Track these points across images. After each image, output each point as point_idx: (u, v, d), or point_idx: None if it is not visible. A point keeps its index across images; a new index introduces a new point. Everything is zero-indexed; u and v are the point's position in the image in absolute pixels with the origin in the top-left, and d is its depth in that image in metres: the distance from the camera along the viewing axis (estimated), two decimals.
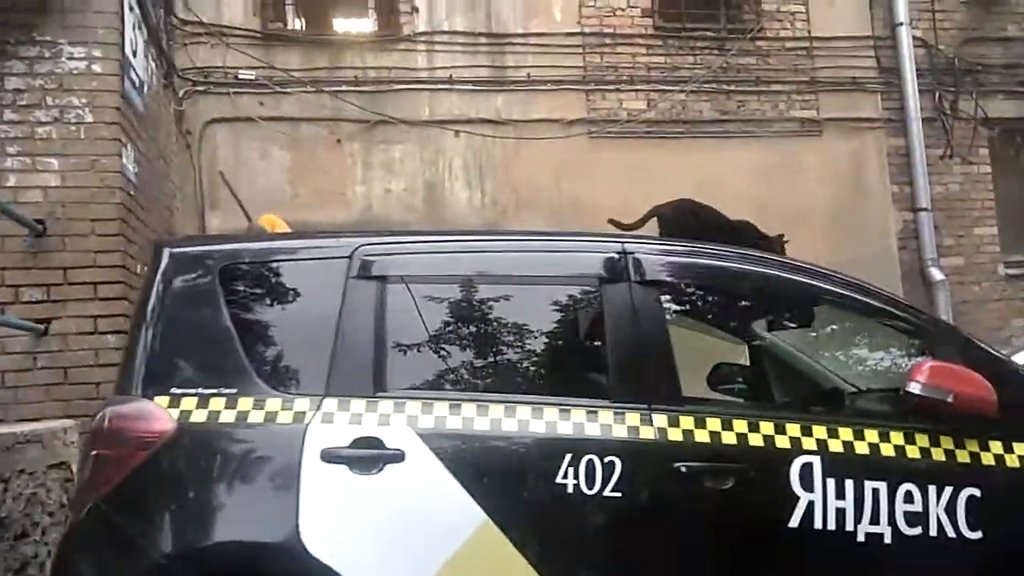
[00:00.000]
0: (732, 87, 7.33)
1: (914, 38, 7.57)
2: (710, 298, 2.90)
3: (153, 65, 5.47)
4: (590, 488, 2.37)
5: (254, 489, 2.36)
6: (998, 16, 7.87)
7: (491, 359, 2.60)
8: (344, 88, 6.68)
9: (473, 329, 2.60)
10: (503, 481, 2.39)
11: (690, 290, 2.80)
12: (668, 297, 2.67)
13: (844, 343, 3.55)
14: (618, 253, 2.66)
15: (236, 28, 6.53)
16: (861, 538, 2.42)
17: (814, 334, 3.77)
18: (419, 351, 2.58)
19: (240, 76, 6.47)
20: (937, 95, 7.65)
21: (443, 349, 2.59)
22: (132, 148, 4.66)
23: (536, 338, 2.65)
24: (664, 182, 6.91)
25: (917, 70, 7.52)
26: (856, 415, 2.86)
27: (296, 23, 6.99)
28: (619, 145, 7.10)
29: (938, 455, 2.52)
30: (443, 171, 6.89)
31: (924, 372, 2.49)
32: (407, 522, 2.35)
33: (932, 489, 2.47)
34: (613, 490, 2.38)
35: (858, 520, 2.43)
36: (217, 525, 2.35)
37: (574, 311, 2.66)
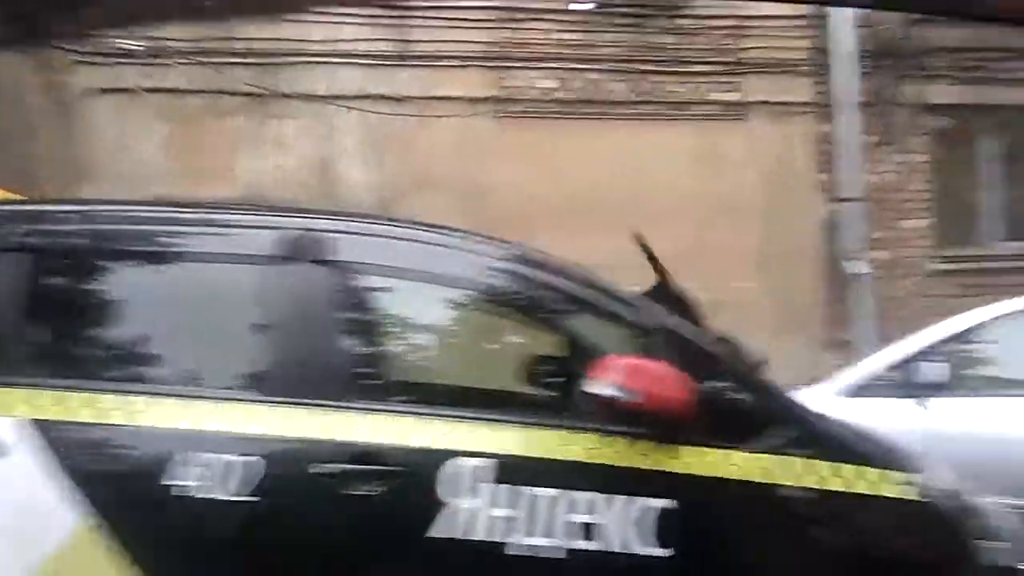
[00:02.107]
0: (650, 67, 6.97)
1: (852, 18, 7.15)
2: (389, 282, 2.54)
3: None
4: (210, 491, 2.11)
5: None
6: None
7: (127, 346, 2.32)
8: (234, 60, 6.42)
9: (112, 311, 2.33)
10: (109, 481, 2.13)
11: (379, 275, 2.45)
12: (343, 282, 2.36)
13: None
14: (296, 229, 2.38)
15: None
16: (517, 551, 2.13)
17: None
18: (45, 334, 2.32)
19: (122, 46, 6.23)
20: (875, 79, 7.23)
21: (73, 332, 2.33)
22: None
23: (184, 322, 2.34)
24: (577, 165, 6.61)
25: (854, 53, 7.11)
26: (541, 414, 2.54)
27: None
28: (529, 126, 6.79)
29: (623, 460, 2.22)
30: (339, 148, 6.62)
31: (602, 369, 2.18)
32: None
33: (614, 500, 2.18)
34: (237, 494, 2.11)
35: (515, 531, 2.14)
36: None
37: (234, 294, 2.36)
